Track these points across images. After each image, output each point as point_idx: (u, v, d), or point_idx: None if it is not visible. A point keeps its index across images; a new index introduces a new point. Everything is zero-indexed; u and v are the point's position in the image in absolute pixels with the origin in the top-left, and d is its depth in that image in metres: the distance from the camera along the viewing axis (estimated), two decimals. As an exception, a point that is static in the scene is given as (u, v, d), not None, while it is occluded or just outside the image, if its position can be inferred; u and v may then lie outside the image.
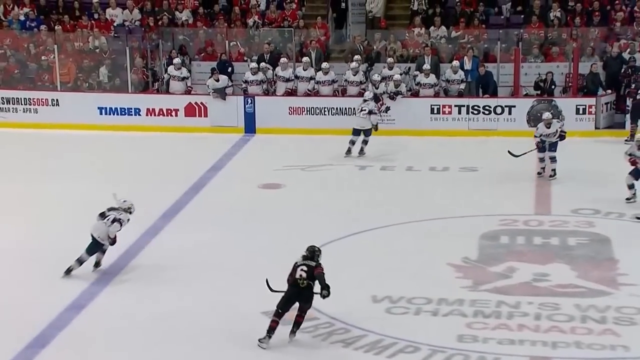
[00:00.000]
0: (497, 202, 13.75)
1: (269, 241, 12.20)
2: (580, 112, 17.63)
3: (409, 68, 18.57)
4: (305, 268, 9.12)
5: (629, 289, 10.49)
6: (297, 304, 9.19)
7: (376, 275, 11.04)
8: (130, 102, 19.03)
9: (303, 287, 9.08)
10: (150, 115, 18.90)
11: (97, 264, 10.92)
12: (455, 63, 18.12)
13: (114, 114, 19.02)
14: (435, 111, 18.01)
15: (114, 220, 10.61)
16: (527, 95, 18.14)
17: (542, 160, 14.78)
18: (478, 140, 17.47)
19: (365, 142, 16.62)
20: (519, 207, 13.51)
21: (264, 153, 17.21)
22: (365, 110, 16.44)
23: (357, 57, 18.70)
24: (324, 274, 9.12)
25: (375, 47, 19.52)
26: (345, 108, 18.22)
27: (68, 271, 10.65)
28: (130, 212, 10.78)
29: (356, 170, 15.89)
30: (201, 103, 18.74)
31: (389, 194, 14.43)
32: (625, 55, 18.12)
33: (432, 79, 18.14)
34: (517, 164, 14.69)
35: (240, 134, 18.43)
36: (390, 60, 18.63)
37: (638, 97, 17.16)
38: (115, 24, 20.63)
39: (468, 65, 18.36)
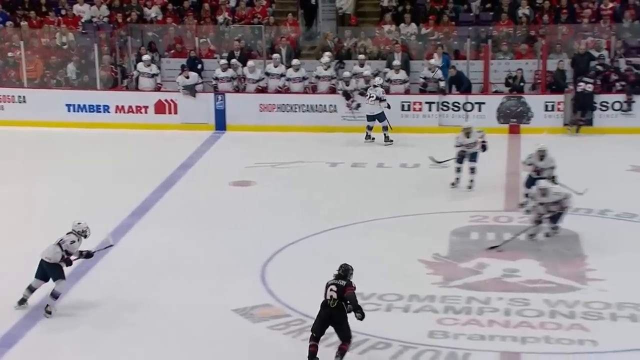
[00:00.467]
0: (467, 199, 13.85)
1: (240, 239, 12.20)
2: (549, 108, 17.81)
3: (378, 71, 18.50)
4: (335, 288, 8.70)
5: (597, 284, 10.63)
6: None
7: (348, 272, 11.07)
8: (99, 99, 18.90)
9: (333, 307, 8.70)
10: (120, 112, 18.80)
11: (23, 301, 10.05)
12: (433, 61, 18.18)
13: (82, 111, 18.88)
14: (406, 108, 18.10)
15: (58, 243, 9.94)
16: (496, 92, 18.28)
17: (458, 170, 14.21)
18: (448, 137, 17.54)
19: (385, 128, 17.13)
20: (489, 203, 13.61)
21: (234, 150, 17.19)
22: (373, 97, 17.03)
23: (327, 52, 18.75)
24: (354, 294, 8.71)
25: (345, 44, 19.57)
26: (316, 105, 18.28)
27: (22, 301, 9.99)
28: (85, 236, 10.08)
29: (327, 167, 15.92)
30: (171, 100, 18.67)
31: (360, 190, 14.48)
32: (594, 53, 18.31)
33: (402, 75, 18.22)
34: (489, 161, 14.72)
35: (211, 131, 18.39)
36: (361, 57, 18.70)
37: (579, 88, 17.38)
38: (83, 20, 20.48)
39: (438, 62, 18.44)
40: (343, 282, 8.74)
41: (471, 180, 14.21)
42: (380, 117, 17.17)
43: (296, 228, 12.50)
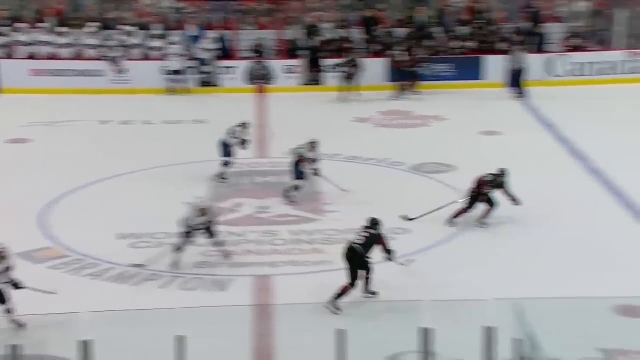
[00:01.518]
0: (215, 148, 13.61)
1: (19, 191, 11.53)
2: (288, 71, 18.24)
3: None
4: (367, 234, 8.57)
5: (331, 215, 11.14)
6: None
7: (123, 216, 10.83)
8: None
9: (349, 249, 8.51)
10: None
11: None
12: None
13: None
14: (165, 72, 17.72)
15: None
16: (245, 58, 18.42)
17: (227, 164, 12.37)
18: (205, 97, 17.50)
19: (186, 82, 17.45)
20: (243, 152, 13.63)
21: (10, 111, 16.08)
22: (178, 53, 17.25)
23: (93, 23, 17.97)
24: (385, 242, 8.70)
25: (110, 16, 18.82)
26: (86, 70, 17.48)
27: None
28: (3, 257, 7.87)
29: (97, 125, 15.32)
30: (-56, 66, 17.04)
31: (130, 144, 14.09)
32: (322, 25, 18.84)
33: (161, 43, 17.85)
34: (241, 115, 14.72)
35: (-15, 95, 17.04)
36: (125, 27, 18.08)
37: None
38: None
39: (195, 33, 18.25)
40: (374, 231, 8.62)
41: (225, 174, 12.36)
42: (181, 72, 17.25)
43: (72, 179, 11.98)
